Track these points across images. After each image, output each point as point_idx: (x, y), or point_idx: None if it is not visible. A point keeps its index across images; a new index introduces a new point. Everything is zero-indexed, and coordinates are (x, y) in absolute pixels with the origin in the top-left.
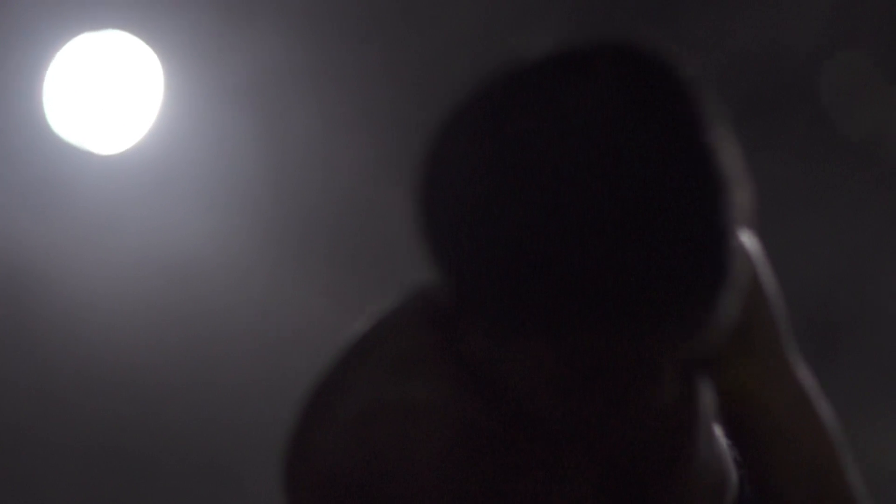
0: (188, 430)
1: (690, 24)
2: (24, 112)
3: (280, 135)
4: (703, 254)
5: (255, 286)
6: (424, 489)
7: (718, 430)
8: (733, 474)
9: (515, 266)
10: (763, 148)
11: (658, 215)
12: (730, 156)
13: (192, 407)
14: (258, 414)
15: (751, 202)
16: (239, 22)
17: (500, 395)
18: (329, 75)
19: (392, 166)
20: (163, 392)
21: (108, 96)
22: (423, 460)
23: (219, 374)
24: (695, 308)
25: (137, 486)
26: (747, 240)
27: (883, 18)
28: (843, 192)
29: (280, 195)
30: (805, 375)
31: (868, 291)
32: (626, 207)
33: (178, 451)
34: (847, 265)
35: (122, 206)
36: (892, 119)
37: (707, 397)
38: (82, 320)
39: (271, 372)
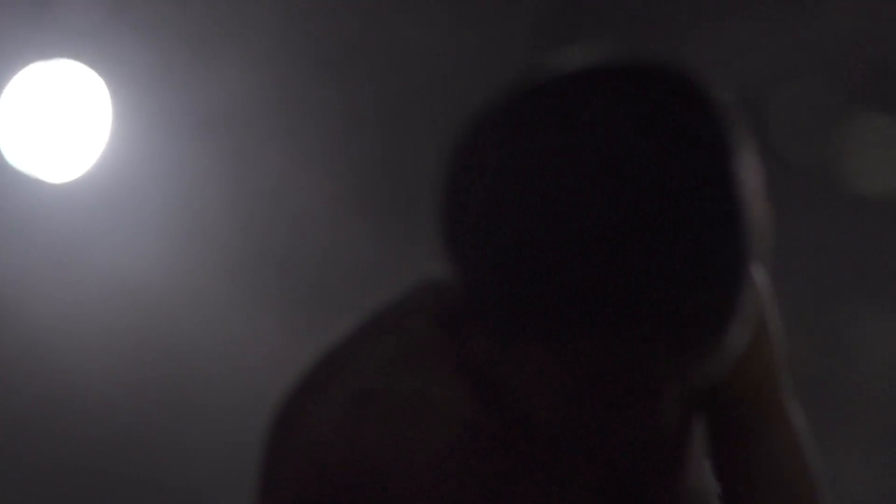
0: (149, 451)
1: (639, 53)
2: None
3: (236, 165)
4: (714, 274)
5: (212, 315)
6: (419, 489)
7: (707, 465)
8: None
9: (523, 271)
10: None
11: (670, 232)
12: (752, 182)
13: (153, 430)
14: (217, 437)
15: (768, 231)
16: (200, 55)
17: (500, 398)
18: (289, 109)
19: (352, 199)
20: (123, 416)
21: (59, 125)
22: (419, 459)
23: (178, 398)
24: (698, 325)
25: None
26: (759, 273)
27: (832, 46)
28: (794, 221)
29: (234, 224)
30: (799, 419)
31: (821, 318)
32: (639, 223)
33: (140, 473)
34: (799, 289)
35: (75, 233)
36: (842, 147)
37: (699, 430)
38: (35, 346)
39: (228, 398)
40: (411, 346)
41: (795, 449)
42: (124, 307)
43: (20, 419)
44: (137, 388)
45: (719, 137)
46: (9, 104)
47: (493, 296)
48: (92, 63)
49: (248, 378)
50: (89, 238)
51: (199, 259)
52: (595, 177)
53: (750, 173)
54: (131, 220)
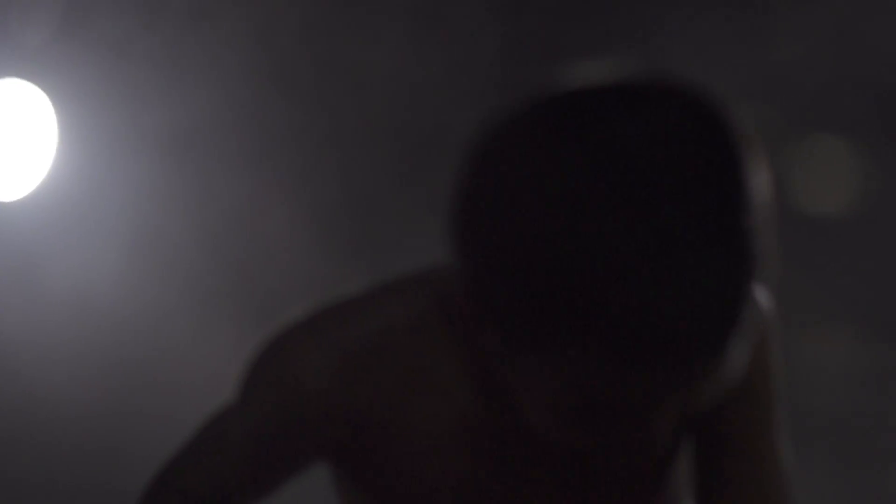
0: (106, 464)
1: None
2: None
3: (189, 184)
4: (718, 301)
5: (169, 332)
6: (404, 460)
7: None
8: None
9: (532, 282)
10: None
11: (685, 260)
12: (764, 209)
13: (109, 444)
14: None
15: (774, 259)
16: (155, 75)
17: (499, 396)
18: (246, 129)
19: (311, 220)
20: (79, 431)
21: (5, 143)
22: (410, 430)
23: (134, 414)
24: (697, 350)
25: None
26: (764, 304)
27: (779, 69)
28: None
29: (190, 240)
30: (786, 457)
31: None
32: (655, 247)
33: (98, 484)
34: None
35: (22, 251)
36: (789, 168)
37: (686, 458)
38: None
39: (185, 412)
40: (422, 323)
41: (779, 490)
42: (77, 325)
43: None
44: (93, 405)
45: (735, 163)
46: None
47: (501, 301)
48: (39, 82)
49: (206, 394)
50: (37, 255)
51: (153, 276)
52: (609, 197)
53: (762, 200)
54: (80, 238)
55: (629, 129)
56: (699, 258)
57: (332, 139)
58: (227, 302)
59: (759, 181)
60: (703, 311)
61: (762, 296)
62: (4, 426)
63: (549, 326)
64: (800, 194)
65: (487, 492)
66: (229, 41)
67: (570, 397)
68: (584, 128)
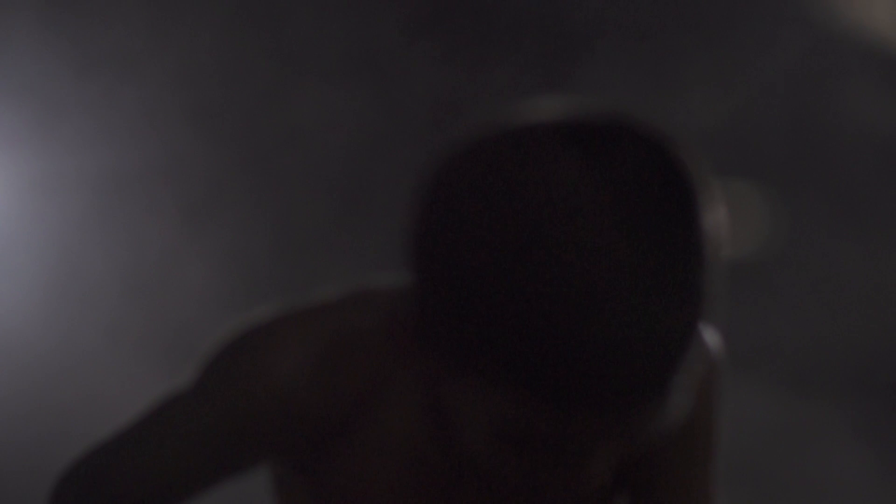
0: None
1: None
2: None
3: (109, 226)
4: (667, 348)
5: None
6: (363, 468)
7: None
8: None
9: (488, 313)
10: None
11: (634, 301)
12: (715, 250)
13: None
14: None
15: (721, 297)
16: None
17: (444, 420)
18: (175, 175)
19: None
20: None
21: None
22: (373, 437)
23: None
24: (643, 398)
25: None
26: (713, 348)
27: (694, 116)
28: None
29: (113, 286)
30: (716, 498)
31: None
32: (604, 287)
33: None
34: None
35: None
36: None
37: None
38: None
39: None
40: (386, 332)
41: None
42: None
43: None
44: (13, 448)
45: (688, 203)
46: None
47: (447, 324)
48: None
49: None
50: None
51: (73, 316)
52: (560, 234)
53: (715, 241)
54: (1, 277)
55: (584, 165)
56: (648, 300)
57: (262, 188)
58: (147, 344)
59: (712, 222)
60: (649, 355)
61: (710, 336)
62: None
63: (492, 356)
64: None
65: None
66: (161, 90)
67: (506, 430)
68: (540, 161)
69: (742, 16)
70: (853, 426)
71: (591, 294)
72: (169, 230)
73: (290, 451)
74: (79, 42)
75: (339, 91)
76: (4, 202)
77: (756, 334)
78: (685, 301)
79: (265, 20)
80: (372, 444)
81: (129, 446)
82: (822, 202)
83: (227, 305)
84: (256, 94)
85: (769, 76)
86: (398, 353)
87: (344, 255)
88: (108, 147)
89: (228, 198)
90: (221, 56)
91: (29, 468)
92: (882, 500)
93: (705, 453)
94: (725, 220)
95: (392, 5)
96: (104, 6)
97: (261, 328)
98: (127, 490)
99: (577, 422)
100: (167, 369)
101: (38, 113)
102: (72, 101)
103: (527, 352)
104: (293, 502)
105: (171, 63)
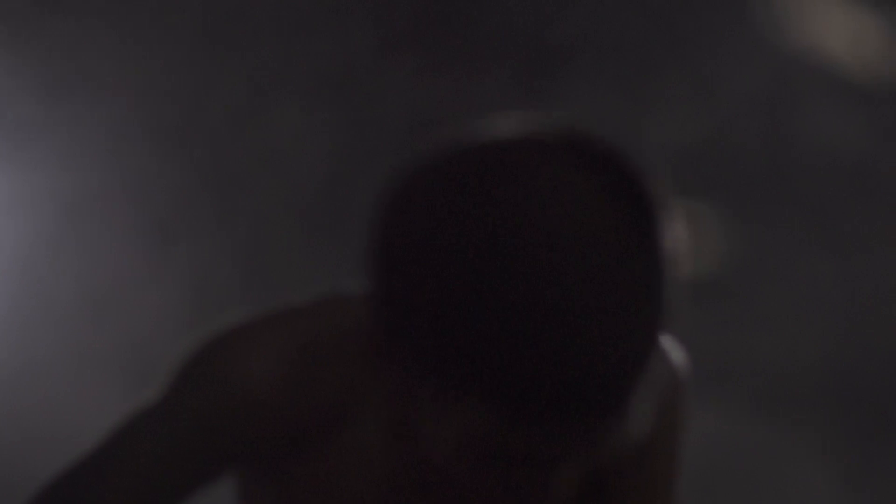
0: None
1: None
2: None
3: (73, 246)
4: (627, 364)
5: (54, 395)
6: (335, 474)
7: None
8: None
9: (450, 328)
10: None
11: (592, 317)
12: (674, 264)
13: None
14: None
15: (679, 310)
16: (52, 141)
17: (408, 430)
18: (136, 200)
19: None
20: None
21: None
22: (346, 443)
23: (17, 479)
24: (603, 413)
25: None
26: (678, 364)
27: (654, 138)
28: None
29: (69, 302)
30: None
31: None
32: (563, 302)
33: None
34: None
35: None
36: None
37: None
38: None
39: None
40: (361, 339)
41: None
42: None
43: None
44: None
45: (647, 219)
46: None
47: (407, 341)
48: None
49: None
50: None
51: (35, 336)
52: (521, 249)
53: (673, 256)
54: None
55: (539, 182)
56: (604, 315)
57: (230, 209)
58: (112, 365)
59: (669, 238)
60: (606, 370)
61: (675, 354)
62: None
63: (449, 372)
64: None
65: None
66: (128, 110)
67: (468, 444)
68: (497, 178)
69: (713, 39)
70: (821, 446)
71: (545, 309)
72: (135, 250)
73: (259, 458)
74: (47, 62)
75: (311, 111)
76: None
77: (722, 353)
78: (642, 315)
79: (236, 39)
80: (339, 454)
81: (98, 465)
82: (789, 221)
83: (193, 327)
84: (226, 114)
85: (739, 98)
86: (367, 361)
87: (313, 279)
88: (74, 167)
89: (196, 219)
90: (191, 75)
91: None
92: None
93: (668, 471)
94: (683, 235)
95: (366, 24)
96: (73, 26)
97: (232, 333)
98: None
99: (537, 437)
100: (132, 390)
101: (3, 132)
102: (38, 120)
103: (482, 367)
104: None
105: (139, 82)
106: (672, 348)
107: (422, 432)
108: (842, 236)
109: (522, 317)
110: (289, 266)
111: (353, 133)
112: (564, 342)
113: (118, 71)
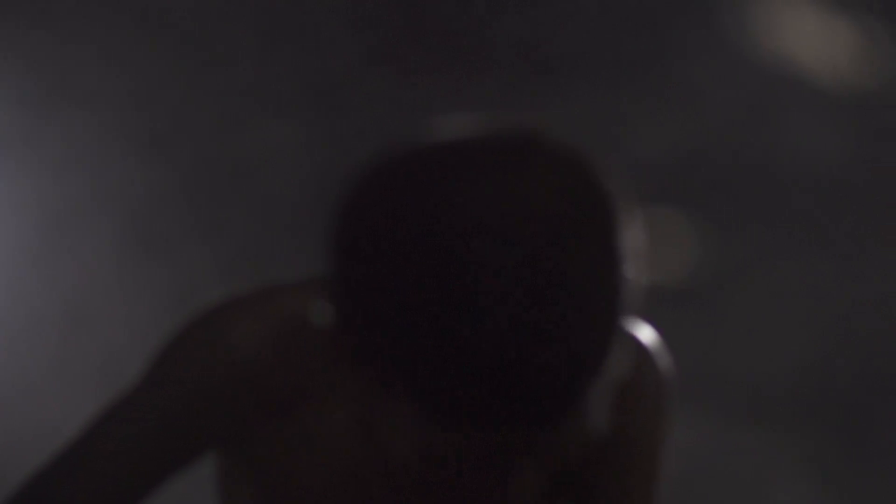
0: None
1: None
2: None
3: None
4: (583, 363)
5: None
6: (309, 446)
7: None
8: None
9: (404, 323)
10: None
11: (548, 315)
12: (633, 260)
13: None
14: None
15: (639, 307)
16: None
17: (369, 427)
18: (121, 211)
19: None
20: None
21: None
22: (324, 417)
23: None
24: (557, 412)
25: None
26: (661, 368)
27: (631, 147)
28: None
29: (50, 313)
30: None
31: None
32: (520, 298)
33: None
34: None
35: None
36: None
37: None
38: None
39: None
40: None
41: None
42: None
43: None
44: None
45: (606, 214)
46: None
47: (356, 341)
48: None
49: None
50: None
51: (19, 351)
52: (479, 244)
53: (629, 249)
54: None
55: (503, 179)
56: (560, 318)
57: (210, 218)
58: (91, 374)
59: (625, 238)
60: (561, 373)
61: (661, 359)
62: None
63: (392, 374)
64: (649, 266)
65: None
66: (108, 119)
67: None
68: (452, 177)
69: (692, 51)
70: (800, 456)
71: (494, 313)
72: (118, 260)
73: (239, 428)
74: (30, 73)
75: (294, 121)
76: None
77: (705, 361)
78: (597, 316)
79: (219, 50)
80: (310, 434)
81: (82, 449)
82: (770, 229)
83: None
84: (210, 125)
85: (719, 108)
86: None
87: None
88: (57, 177)
89: (179, 228)
90: (174, 86)
91: None
92: None
93: (645, 465)
94: (644, 235)
95: (349, 35)
96: (56, 37)
97: (218, 308)
98: (86, 492)
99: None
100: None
101: None
102: (21, 130)
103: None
104: (236, 496)
105: (123, 93)
106: (657, 351)
107: (383, 430)
108: (823, 244)
109: (469, 321)
110: (271, 275)
111: (336, 143)
112: (514, 346)
113: (102, 81)
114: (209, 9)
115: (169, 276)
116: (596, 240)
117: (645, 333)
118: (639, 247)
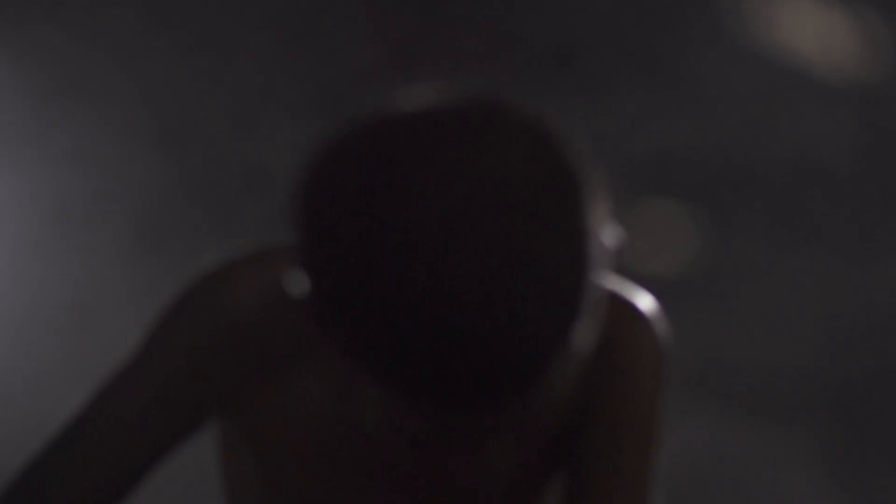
0: None
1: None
2: None
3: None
4: (529, 343)
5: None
6: (296, 410)
7: None
8: None
9: (361, 305)
10: None
11: (504, 289)
12: (595, 236)
13: None
14: None
15: (610, 265)
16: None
17: (348, 398)
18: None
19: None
20: None
21: None
22: (313, 384)
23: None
24: (503, 393)
25: None
26: (650, 318)
27: (618, 137)
28: None
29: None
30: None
31: None
32: (481, 276)
33: None
34: None
35: None
36: (628, 229)
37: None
38: None
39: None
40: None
41: None
42: None
43: None
44: None
45: (571, 190)
46: None
47: (324, 318)
48: None
49: None
50: None
51: (24, 348)
52: (440, 221)
53: (594, 221)
54: None
55: (462, 151)
56: (521, 293)
57: (217, 219)
58: (97, 373)
59: (591, 213)
60: (522, 350)
61: (658, 325)
62: None
63: (357, 351)
64: (638, 256)
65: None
66: (116, 119)
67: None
68: (411, 151)
69: (691, 44)
70: (807, 448)
71: (453, 290)
72: (122, 258)
73: (237, 395)
74: (35, 70)
75: (301, 123)
76: None
77: (706, 354)
78: (560, 290)
79: (227, 51)
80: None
81: (85, 423)
82: (770, 222)
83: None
84: (217, 125)
85: (718, 101)
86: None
87: None
88: (61, 174)
89: (184, 227)
90: (181, 86)
91: None
92: None
93: (638, 423)
94: (607, 212)
95: (357, 38)
96: (62, 34)
97: (216, 270)
98: (89, 468)
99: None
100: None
101: None
102: (25, 127)
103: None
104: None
105: (129, 92)
106: (645, 303)
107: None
108: (824, 237)
109: (427, 299)
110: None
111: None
112: (473, 323)
113: (107, 80)
114: (221, 9)
115: (177, 275)
116: (558, 212)
117: (641, 299)
118: (606, 218)
